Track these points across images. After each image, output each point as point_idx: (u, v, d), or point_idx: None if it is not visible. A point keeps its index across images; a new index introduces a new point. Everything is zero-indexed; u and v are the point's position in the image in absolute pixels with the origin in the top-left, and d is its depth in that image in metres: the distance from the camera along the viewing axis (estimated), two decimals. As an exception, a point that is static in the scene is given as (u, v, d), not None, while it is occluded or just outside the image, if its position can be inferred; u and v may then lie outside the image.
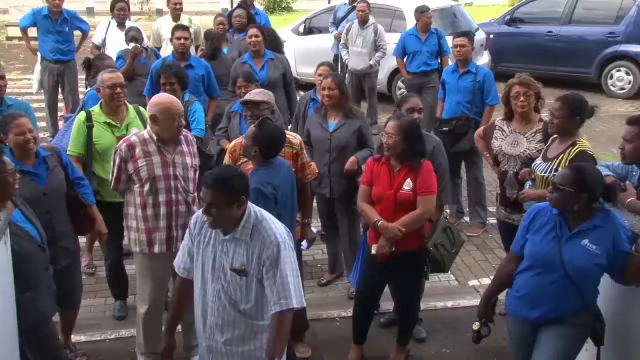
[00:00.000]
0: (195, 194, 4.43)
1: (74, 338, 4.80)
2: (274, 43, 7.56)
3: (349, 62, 9.69)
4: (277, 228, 3.25)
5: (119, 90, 4.89)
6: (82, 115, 4.93)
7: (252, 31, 6.93)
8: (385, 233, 4.30)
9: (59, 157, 4.40)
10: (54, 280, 4.03)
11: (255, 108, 4.74)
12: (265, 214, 3.31)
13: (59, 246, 4.24)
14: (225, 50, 7.73)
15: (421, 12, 8.92)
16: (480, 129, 5.71)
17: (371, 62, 9.55)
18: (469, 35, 6.92)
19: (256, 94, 4.85)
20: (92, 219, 4.54)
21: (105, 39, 8.52)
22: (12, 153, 4.11)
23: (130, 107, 5.07)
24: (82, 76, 8.03)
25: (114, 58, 7.62)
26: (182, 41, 6.76)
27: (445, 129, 6.59)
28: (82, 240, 4.81)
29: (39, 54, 8.88)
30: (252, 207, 3.28)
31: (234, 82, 6.07)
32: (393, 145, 4.27)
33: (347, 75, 9.56)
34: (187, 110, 5.64)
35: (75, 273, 4.52)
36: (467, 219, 6.94)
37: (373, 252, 4.36)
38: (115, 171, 4.29)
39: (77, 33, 9.18)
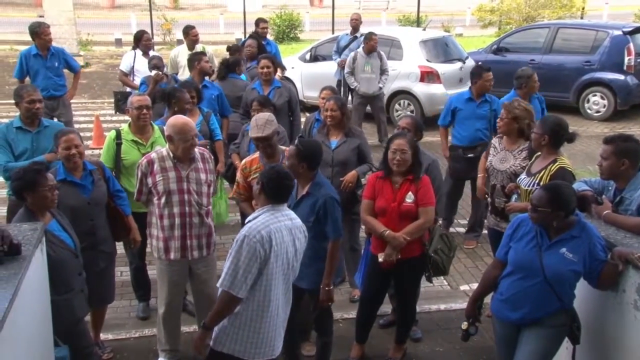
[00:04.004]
0: (210, 207, 4.49)
1: (102, 336, 4.86)
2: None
3: (360, 87, 9.72)
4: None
5: (145, 111, 4.98)
6: (112, 133, 5.03)
7: (264, 62, 6.99)
8: (391, 242, 4.34)
9: (102, 171, 4.50)
10: (92, 280, 4.12)
11: (265, 141, 4.62)
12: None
13: (99, 250, 4.34)
14: (243, 77, 7.85)
15: (528, 77, 7.04)
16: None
17: (380, 85, 9.74)
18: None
19: (263, 128, 4.57)
20: (128, 227, 4.62)
21: (133, 67, 8.57)
22: (64, 166, 4.21)
23: (156, 126, 5.15)
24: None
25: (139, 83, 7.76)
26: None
27: (470, 155, 6.39)
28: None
29: None
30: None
31: (249, 105, 6.14)
32: (405, 161, 4.32)
33: (348, 98, 9.67)
34: (209, 119, 6.09)
35: (111, 274, 4.61)
36: (460, 229, 6.96)
37: (380, 259, 4.38)
38: (137, 184, 4.37)
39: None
